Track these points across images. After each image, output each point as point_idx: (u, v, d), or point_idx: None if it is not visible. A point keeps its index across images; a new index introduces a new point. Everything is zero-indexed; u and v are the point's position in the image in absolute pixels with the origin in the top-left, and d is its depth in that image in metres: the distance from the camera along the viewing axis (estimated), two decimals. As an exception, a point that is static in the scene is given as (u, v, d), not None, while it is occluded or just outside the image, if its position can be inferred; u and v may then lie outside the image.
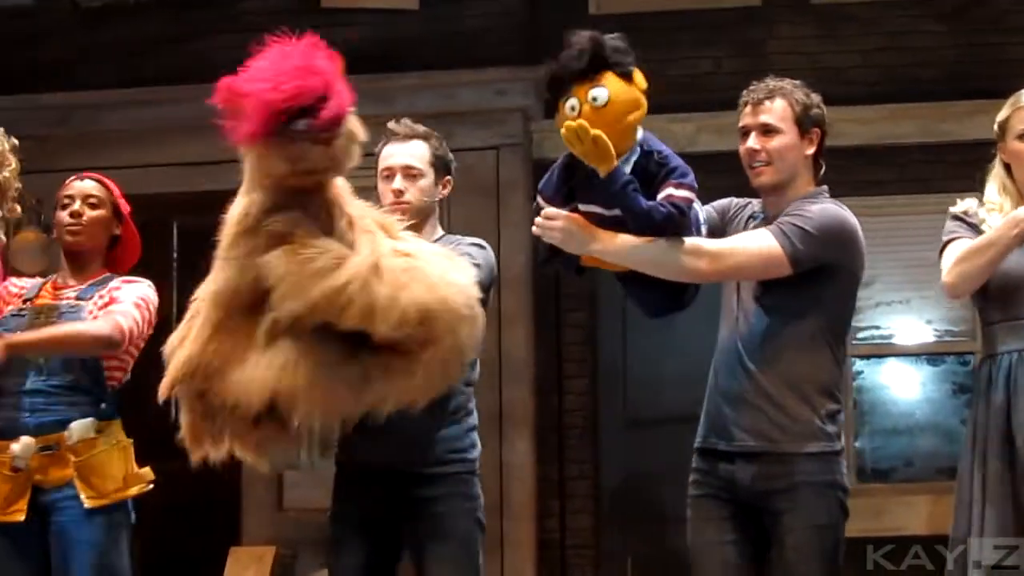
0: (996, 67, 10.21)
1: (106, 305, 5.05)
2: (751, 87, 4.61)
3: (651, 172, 4.17)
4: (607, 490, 10.76)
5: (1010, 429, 4.54)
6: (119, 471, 5.03)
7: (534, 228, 4.19)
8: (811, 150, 4.56)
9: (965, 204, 4.77)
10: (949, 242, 4.68)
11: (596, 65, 4.08)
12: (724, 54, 10.49)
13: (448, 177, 4.91)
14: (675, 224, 4.15)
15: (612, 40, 4.14)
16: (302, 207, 4.05)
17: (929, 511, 9.97)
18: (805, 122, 4.54)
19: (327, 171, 4.07)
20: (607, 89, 4.06)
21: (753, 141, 4.52)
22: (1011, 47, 10.62)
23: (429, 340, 4.06)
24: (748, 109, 4.57)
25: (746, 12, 11.00)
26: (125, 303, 5.05)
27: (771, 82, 4.59)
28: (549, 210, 4.17)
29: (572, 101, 4.07)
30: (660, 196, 4.14)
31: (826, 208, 4.45)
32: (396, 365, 4.08)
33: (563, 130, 4.01)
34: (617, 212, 4.12)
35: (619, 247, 4.14)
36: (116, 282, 5.16)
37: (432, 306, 4.02)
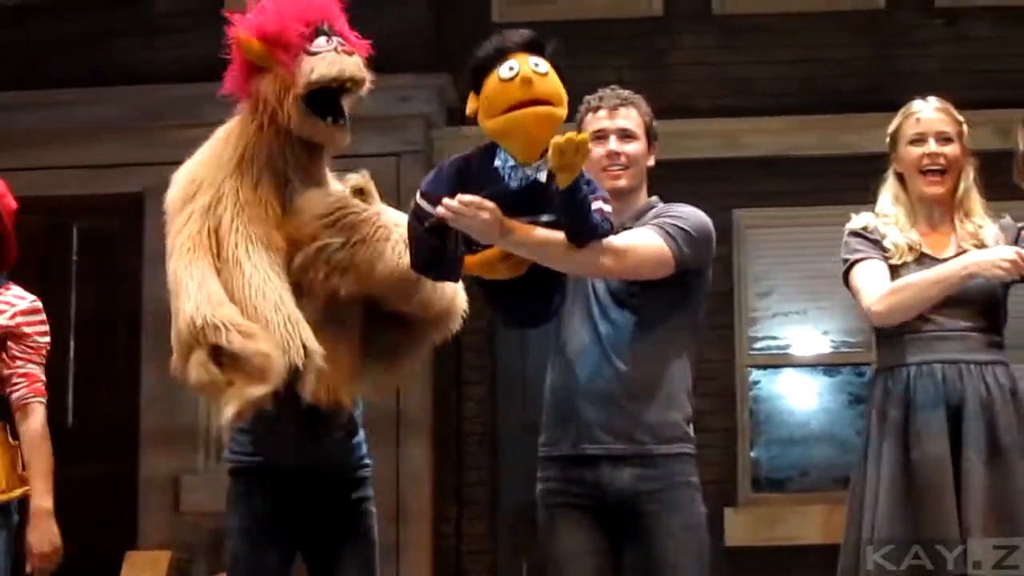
0: (900, 80, 10.33)
1: None
2: (598, 94, 4.64)
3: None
4: (504, 496, 10.77)
5: (907, 442, 4.58)
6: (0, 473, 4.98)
7: (444, 212, 3.94)
8: (651, 161, 4.60)
9: (863, 219, 4.81)
10: (856, 262, 4.71)
11: (535, 47, 4.02)
12: (626, 64, 10.53)
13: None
14: (603, 231, 4.12)
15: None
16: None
17: (824, 520, 10.05)
18: (651, 133, 4.59)
19: (362, 83, 4.27)
20: (547, 63, 3.98)
21: (614, 144, 4.51)
22: (916, 59, 10.75)
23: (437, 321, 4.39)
24: (604, 114, 4.56)
25: (649, 22, 11.06)
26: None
27: (619, 90, 4.63)
28: (470, 197, 3.95)
29: (511, 62, 3.94)
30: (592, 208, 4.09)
31: (694, 210, 4.44)
32: (403, 341, 4.40)
33: (560, 140, 3.83)
34: (546, 219, 4.07)
35: (535, 240, 4.03)
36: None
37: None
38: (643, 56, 10.70)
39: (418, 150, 10.16)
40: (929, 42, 10.90)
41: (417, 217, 4.10)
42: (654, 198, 4.58)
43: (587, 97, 4.64)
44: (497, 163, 4.05)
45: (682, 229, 4.33)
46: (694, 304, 4.48)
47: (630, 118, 4.56)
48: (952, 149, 4.71)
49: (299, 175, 4.29)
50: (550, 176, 3.95)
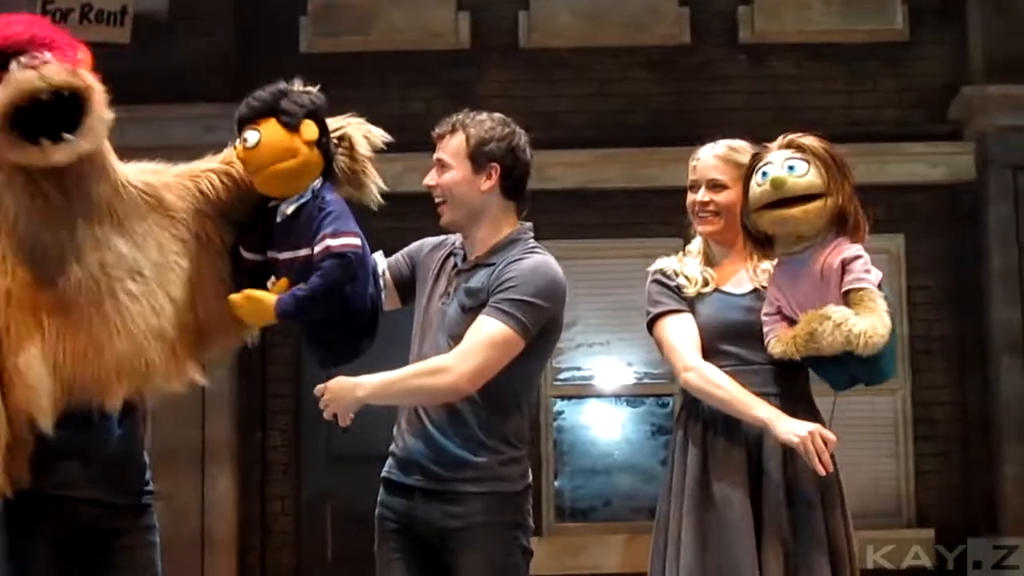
0: (699, 115, 10.52)
1: None
2: (452, 117, 4.56)
3: (314, 217, 4.18)
4: (308, 526, 10.71)
5: (707, 476, 4.61)
6: None
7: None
8: (488, 185, 4.45)
9: (663, 263, 4.82)
10: (662, 315, 4.73)
11: (263, 111, 4.17)
12: (434, 95, 10.59)
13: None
14: (341, 270, 4.13)
15: (298, 92, 4.19)
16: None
17: (625, 550, 10.16)
18: (479, 157, 4.42)
19: (79, 87, 3.98)
20: (259, 134, 4.14)
21: (431, 177, 4.50)
22: (714, 96, 10.96)
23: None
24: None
25: (456, 55, 11.14)
26: None
27: (462, 114, 4.52)
28: (316, 388, 4.33)
29: (245, 133, 4.17)
30: (317, 249, 4.13)
31: (536, 266, 4.42)
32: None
33: (235, 299, 4.20)
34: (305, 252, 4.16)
35: (380, 388, 4.29)
36: None
37: None
38: (451, 88, 10.76)
39: (222, 178, 10.06)
40: (732, 78, 11.13)
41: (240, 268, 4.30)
42: (517, 230, 4.54)
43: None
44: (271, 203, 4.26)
45: (518, 301, 4.32)
46: (542, 351, 4.50)
47: (448, 147, 4.46)
48: (724, 196, 4.73)
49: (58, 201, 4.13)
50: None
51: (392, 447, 4.53)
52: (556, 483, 10.96)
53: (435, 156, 4.49)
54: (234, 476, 10.35)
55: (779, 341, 4.49)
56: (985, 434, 10.61)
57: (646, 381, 11.00)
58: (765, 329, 4.55)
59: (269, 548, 10.63)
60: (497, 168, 4.45)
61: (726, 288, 4.72)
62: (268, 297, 4.17)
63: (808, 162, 4.46)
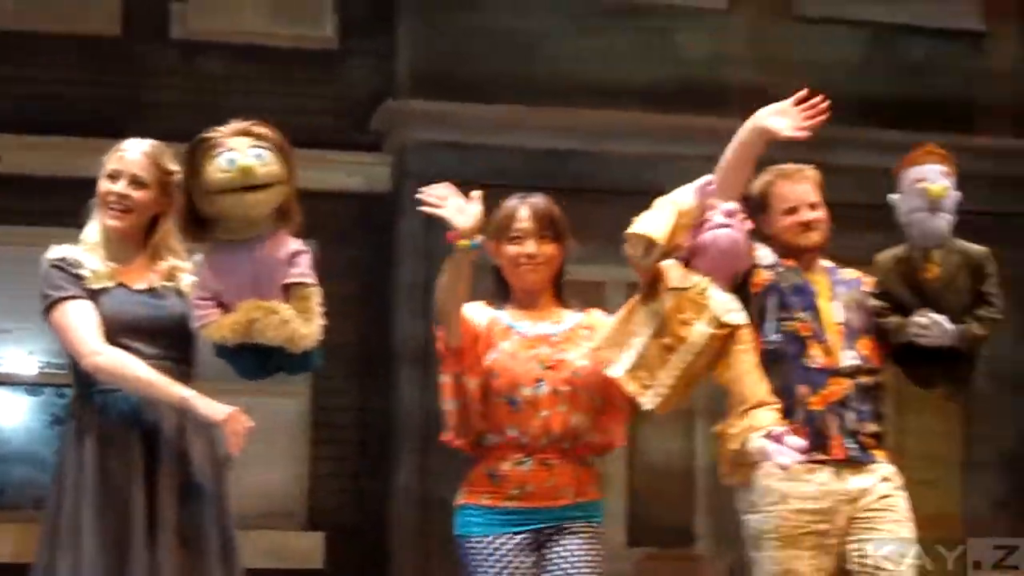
0: (128, 109, 10.41)
1: None
2: None
3: None
4: None
5: (103, 467, 4.59)
6: None
7: None
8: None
9: (62, 250, 4.77)
10: (61, 300, 4.64)
11: None
12: None
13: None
14: None
15: None
16: None
17: (18, 539, 9.94)
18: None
19: None
20: None
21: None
22: (144, 91, 10.91)
23: None
24: None
25: None
26: None
27: None
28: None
29: None
30: None
31: None
32: None
33: None
34: None
35: None
36: None
37: None
38: None
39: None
40: (163, 73, 11.08)
41: None
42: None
43: None
44: None
45: None
46: None
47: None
48: (143, 194, 4.72)
49: None
50: None
51: None
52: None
53: None
54: None
55: (217, 327, 4.52)
56: (383, 441, 10.92)
57: (48, 371, 10.81)
58: (198, 313, 4.56)
59: None
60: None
61: (127, 283, 4.72)
62: None
63: (271, 151, 4.56)
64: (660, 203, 4.81)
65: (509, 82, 11.12)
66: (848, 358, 5.06)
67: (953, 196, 5.17)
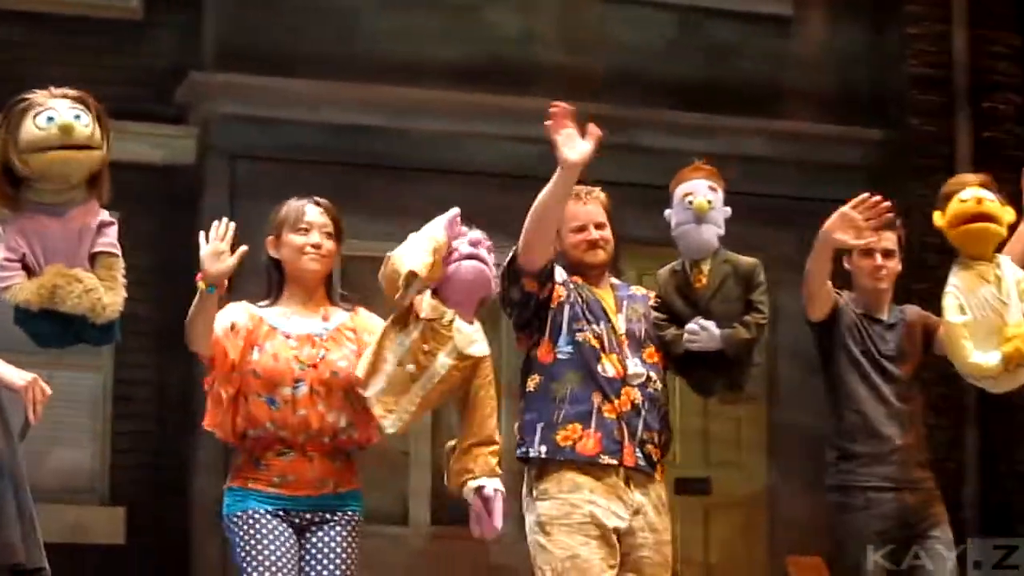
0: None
1: None
2: None
3: None
4: None
5: None
6: None
7: None
8: None
9: None
10: None
11: None
12: None
13: None
14: None
15: None
16: None
17: None
18: None
19: None
20: None
21: None
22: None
23: None
24: None
25: None
26: None
27: None
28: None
29: None
30: None
31: None
32: None
33: None
34: None
35: None
36: None
37: None
38: None
39: None
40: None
41: None
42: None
43: None
44: None
45: None
46: None
47: None
48: None
49: None
50: None
51: None
52: None
53: None
54: None
55: (20, 289, 4.47)
56: (183, 416, 10.81)
57: None
58: (3, 275, 4.50)
59: None
60: None
61: None
62: None
63: (90, 116, 4.54)
64: (414, 237, 4.99)
65: (316, 57, 11.06)
66: (634, 366, 5.27)
67: (721, 210, 5.46)
